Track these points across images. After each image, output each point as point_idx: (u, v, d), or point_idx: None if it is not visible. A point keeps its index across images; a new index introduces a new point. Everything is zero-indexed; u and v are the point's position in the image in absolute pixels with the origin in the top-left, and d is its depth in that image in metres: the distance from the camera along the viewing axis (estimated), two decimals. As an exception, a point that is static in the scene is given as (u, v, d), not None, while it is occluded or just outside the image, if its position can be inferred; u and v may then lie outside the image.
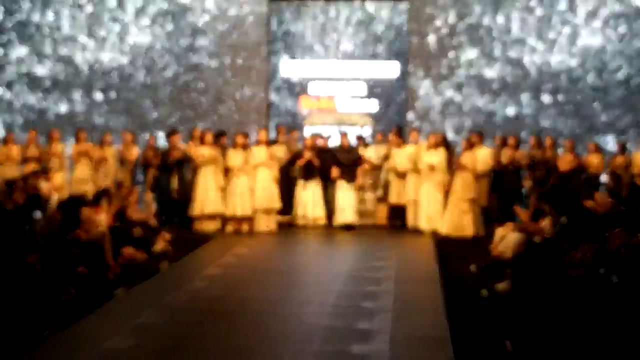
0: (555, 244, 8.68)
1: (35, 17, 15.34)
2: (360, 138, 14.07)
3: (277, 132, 14.37)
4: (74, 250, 8.80)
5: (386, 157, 13.58)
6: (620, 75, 14.94)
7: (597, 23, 15.02)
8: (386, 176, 13.58)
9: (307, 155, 13.22)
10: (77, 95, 15.33)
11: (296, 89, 15.77)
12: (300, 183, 13.32)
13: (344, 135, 13.75)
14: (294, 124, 15.39)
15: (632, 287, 6.43)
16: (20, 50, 15.37)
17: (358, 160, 13.33)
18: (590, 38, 15.03)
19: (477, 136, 13.32)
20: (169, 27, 15.33)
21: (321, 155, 13.32)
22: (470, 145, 12.72)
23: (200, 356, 6.53)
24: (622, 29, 14.97)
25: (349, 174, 13.23)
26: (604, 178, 12.86)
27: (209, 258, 10.92)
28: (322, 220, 13.29)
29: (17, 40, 15.36)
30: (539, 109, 15.11)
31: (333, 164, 13.24)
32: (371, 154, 13.67)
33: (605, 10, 15.01)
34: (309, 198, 13.25)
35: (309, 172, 13.27)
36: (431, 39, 15.13)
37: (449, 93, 15.13)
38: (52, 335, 6.81)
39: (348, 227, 13.02)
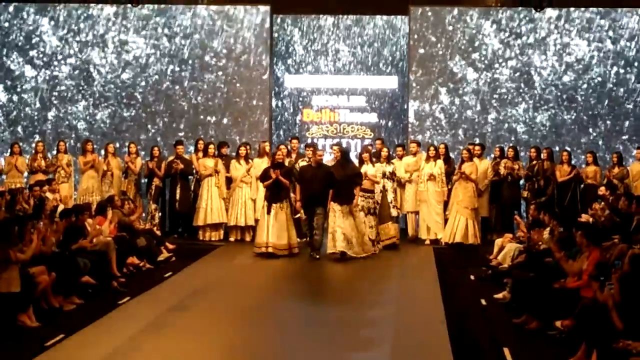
0: (553, 254, 8.79)
1: (46, 35, 15.49)
2: (368, 151, 12.66)
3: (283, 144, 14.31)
4: (79, 260, 8.89)
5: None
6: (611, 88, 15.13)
7: (588, 37, 15.19)
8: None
9: (273, 174, 11.47)
10: (81, 107, 15.44)
11: (298, 101, 15.90)
12: (265, 205, 11.60)
13: (338, 147, 12.13)
14: (295, 136, 15.49)
15: (629, 297, 6.52)
16: (26, 65, 15.50)
17: (356, 178, 11.53)
18: (584, 51, 15.18)
19: (479, 147, 13.47)
20: (172, 41, 15.45)
21: (313, 171, 11.56)
22: (471, 156, 12.84)
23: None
24: (609, 44, 15.16)
25: (344, 195, 11.33)
26: (601, 189, 12.93)
27: (212, 267, 11.03)
28: (285, 252, 11.44)
29: (23, 55, 15.49)
30: (537, 122, 15.23)
31: (327, 183, 11.35)
32: (378, 172, 12.37)
33: (594, 25, 15.17)
34: (272, 224, 11.41)
35: (274, 194, 11.48)
36: (430, 52, 15.27)
37: (448, 105, 15.26)
38: (57, 344, 6.90)
39: (342, 255, 11.33)
